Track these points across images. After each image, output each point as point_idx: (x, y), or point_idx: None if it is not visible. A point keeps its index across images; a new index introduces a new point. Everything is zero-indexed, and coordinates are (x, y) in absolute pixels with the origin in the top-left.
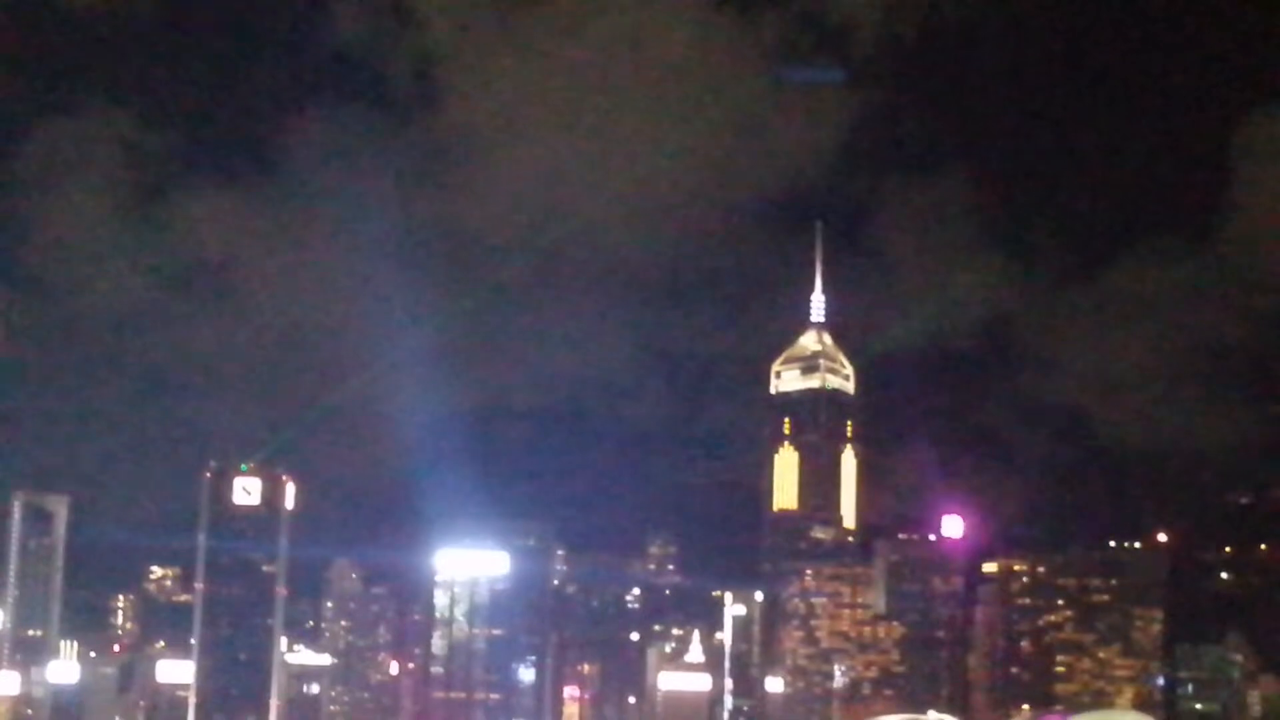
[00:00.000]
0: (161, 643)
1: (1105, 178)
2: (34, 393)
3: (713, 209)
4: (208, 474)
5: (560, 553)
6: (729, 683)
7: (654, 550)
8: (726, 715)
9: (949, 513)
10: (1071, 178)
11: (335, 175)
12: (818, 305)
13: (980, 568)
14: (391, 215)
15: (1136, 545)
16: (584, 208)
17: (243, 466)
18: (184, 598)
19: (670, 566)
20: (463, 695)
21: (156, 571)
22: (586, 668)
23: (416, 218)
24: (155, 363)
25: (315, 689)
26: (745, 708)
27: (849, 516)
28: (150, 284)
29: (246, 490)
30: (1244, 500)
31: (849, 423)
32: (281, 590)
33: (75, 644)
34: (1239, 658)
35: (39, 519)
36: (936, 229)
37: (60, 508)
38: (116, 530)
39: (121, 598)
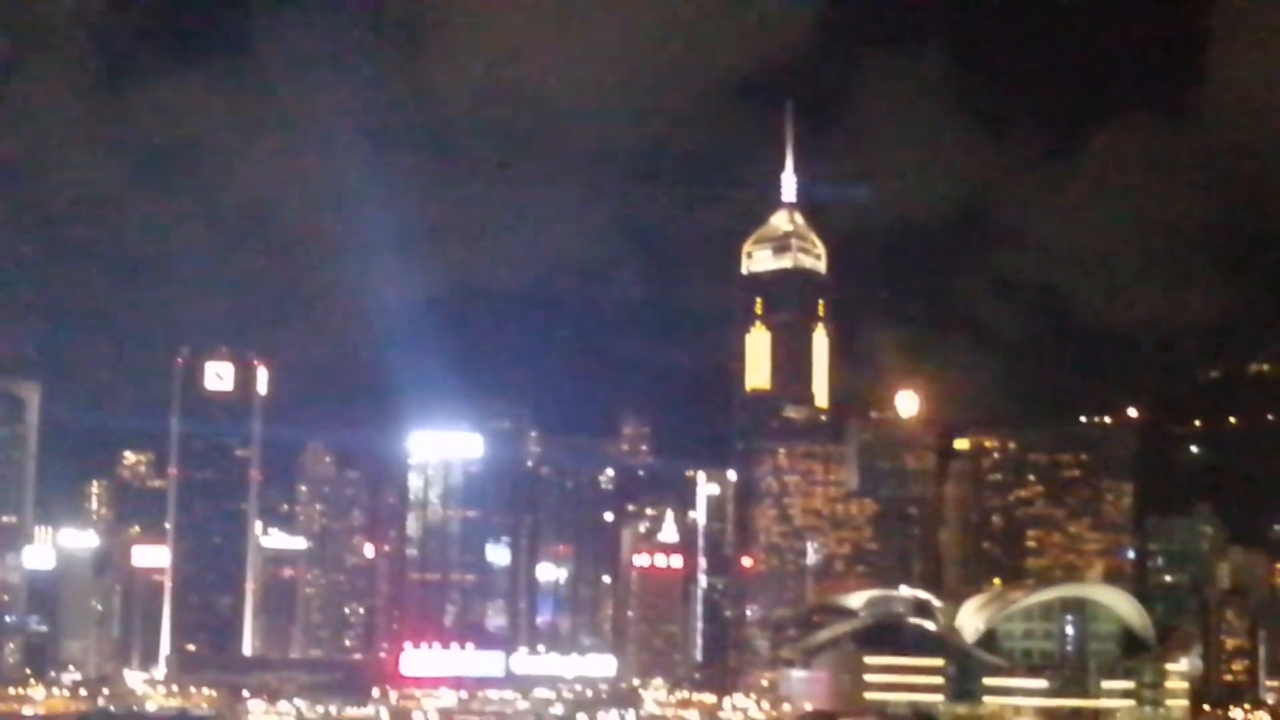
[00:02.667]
0: (136, 527)
1: (1082, 54)
2: (2, 279)
3: (684, 88)
4: (180, 359)
5: (534, 434)
6: (703, 561)
7: (627, 431)
8: (700, 594)
9: (915, 390)
10: (1048, 54)
11: (306, 57)
12: (789, 185)
13: (952, 444)
14: (363, 97)
15: (1107, 420)
16: (556, 88)
17: None
18: (158, 483)
19: (643, 447)
20: (438, 577)
21: (130, 457)
22: (561, 548)
23: (388, 99)
24: (126, 247)
25: (290, 572)
26: (719, 586)
27: (821, 395)
28: (119, 168)
29: (219, 375)
30: (1215, 375)
31: (821, 302)
32: (255, 474)
33: (50, 529)
34: (1208, 530)
35: (11, 406)
36: (910, 106)
37: (32, 394)
38: (89, 416)
39: (95, 483)
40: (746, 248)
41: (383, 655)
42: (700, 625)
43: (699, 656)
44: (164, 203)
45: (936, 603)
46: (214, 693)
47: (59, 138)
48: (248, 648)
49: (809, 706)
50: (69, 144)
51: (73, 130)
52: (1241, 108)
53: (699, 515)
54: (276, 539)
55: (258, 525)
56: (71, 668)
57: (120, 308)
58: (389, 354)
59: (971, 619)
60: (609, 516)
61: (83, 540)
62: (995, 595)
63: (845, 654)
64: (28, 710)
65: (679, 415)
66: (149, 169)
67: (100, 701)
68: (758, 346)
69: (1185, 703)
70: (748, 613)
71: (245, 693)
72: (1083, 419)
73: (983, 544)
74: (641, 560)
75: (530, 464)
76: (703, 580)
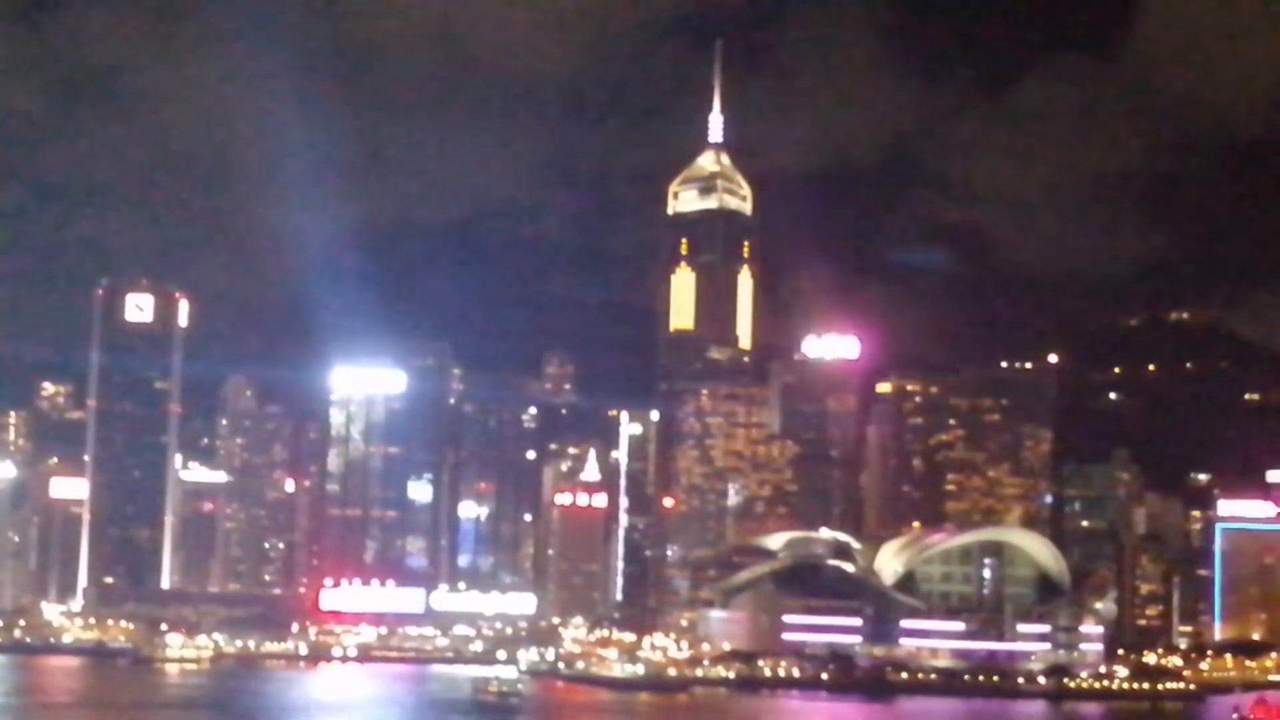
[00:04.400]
0: (54, 459)
1: None
2: None
3: (613, 26)
4: (100, 290)
5: (457, 371)
6: (624, 501)
7: (551, 370)
8: (621, 533)
9: (839, 332)
10: None
11: None
12: (716, 125)
13: (874, 387)
14: (288, 24)
15: (1028, 366)
16: (484, 22)
17: None
18: (77, 414)
19: (567, 386)
20: (358, 513)
21: (48, 388)
22: (483, 486)
23: (314, 27)
24: (45, 174)
25: (210, 506)
26: (640, 526)
27: (745, 337)
28: (39, 93)
29: (139, 307)
30: (1134, 322)
31: (746, 243)
32: (175, 408)
33: None
34: (1125, 476)
35: None
36: (839, 47)
37: None
38: (7, 346)
39: (13, 414)
40: (672, 188)
41: (302, 590)
42: (620, 565)
43: (619, 596)
44: (84, 129)
45: (856, 545)
46: (132, 626)
47: None
48: (166, 581)
49: (728, 646)
50: None
51: None
52: (1167, 53)
53: (621, 455)
54: (196, 473)
55: (177, 459)
56: None
57: (40, 237)
58: (312, 288)
59: (890, 561)
60: (531, 454)
61: None
62: (914, 538)
63: (764, 595)
64: None
65: (603, 354)
66: (68, 95)
67: (16, 633)
68: (682, 287)
69: (1099, 646)
70: (668, 553)
71: (164, 626)
72: (1004, 364)
73: (903, 487)
74: (563, 499)
75: (453, 401)
76: (624, 520)
